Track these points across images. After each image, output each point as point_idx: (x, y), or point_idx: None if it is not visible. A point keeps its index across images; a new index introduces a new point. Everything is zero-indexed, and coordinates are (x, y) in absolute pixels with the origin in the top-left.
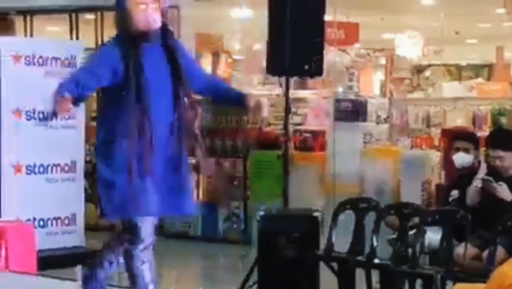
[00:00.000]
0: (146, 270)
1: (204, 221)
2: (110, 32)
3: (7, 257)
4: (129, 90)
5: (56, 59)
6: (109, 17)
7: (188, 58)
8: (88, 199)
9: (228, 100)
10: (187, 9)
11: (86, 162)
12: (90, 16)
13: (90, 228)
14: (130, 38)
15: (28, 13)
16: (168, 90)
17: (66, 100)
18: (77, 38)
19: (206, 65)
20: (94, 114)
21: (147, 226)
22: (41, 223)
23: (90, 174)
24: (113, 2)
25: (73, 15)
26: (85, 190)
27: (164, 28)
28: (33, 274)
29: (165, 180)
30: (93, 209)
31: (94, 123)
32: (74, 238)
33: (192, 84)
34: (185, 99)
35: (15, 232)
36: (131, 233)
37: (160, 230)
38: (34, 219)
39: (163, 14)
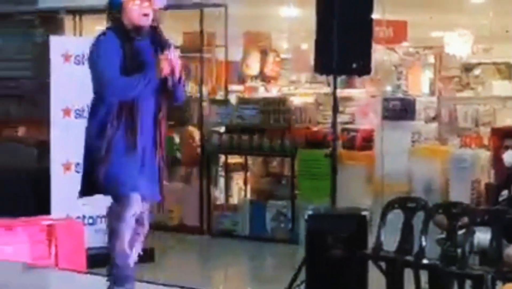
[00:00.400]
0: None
1: (252, 220)
2: None
3: (57, 255)
4: None
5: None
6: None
7: None
8: None
9: None
10: (234, 8)
11: None
12: None
13: None
14: (122, 31)
15: (77, 12)
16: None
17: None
18: None
19: (254, 63)
20: None
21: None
22: (90, 220)
23: None
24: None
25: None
26: None
27: (154, 27)
28: (82, 272)
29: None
30: None
31: None
32: None
33: None
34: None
35: (65, 230)
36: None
37: (208, 229)
38: (84, 216)
39: (154, 14)
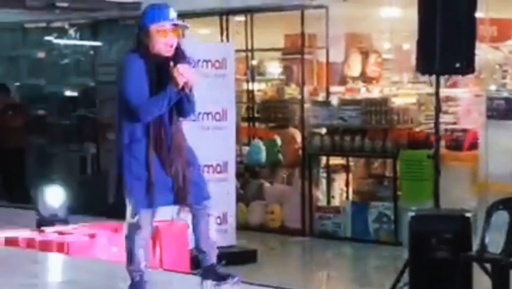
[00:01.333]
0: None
1: (353, 221)
2: (259, 33)
3: (161, 256)
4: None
5: (207, 61)
6: (259, 19)
7: None
8: (240, 198)
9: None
10: (336, 9)
11: (237, 163)
12: (240, 18)
13: (240, 227)
14: (146, 56)
15: (180, 16)
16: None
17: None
18: (228, 40)
19: (355, 64)
20: (245, 116)
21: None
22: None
23: (242, 174)
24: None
25: (224, 17)
26: (236, 189)
27: (177, 52)
28: (186, 273)
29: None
30: (244, 208)
31: (245, 124)
32: (225, 237)
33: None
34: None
35: (169, 232)
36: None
37: (310, 231)
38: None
39: (179, 42)
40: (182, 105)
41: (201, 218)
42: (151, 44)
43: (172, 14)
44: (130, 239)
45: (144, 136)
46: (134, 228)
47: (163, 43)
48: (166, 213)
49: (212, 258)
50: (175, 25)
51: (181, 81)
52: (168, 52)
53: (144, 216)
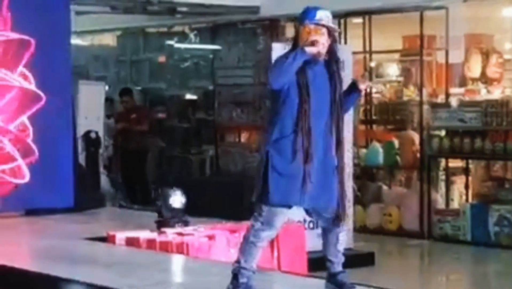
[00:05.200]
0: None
1: (473, 224)
2: (377, 35)
3: (279, 258)
4: (296, 97)
5: None
6: (377, 21)
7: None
8: (357, 201)
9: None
10: (456, 10)
11: (355, 165)
12: (358, 20)
13: (358, 230)
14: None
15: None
16: (326, 101)
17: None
18: (345, 42)
19: (475, 65)
20: (362, 118)
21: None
22: (311, 224)
23: (359, 177)
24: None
25: (342, 19)
26: (354, 192)
27: (330, 52)
28: (303, 275)
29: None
30: (361, 210)
31: (362, 127)
32: None
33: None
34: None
35: (286, 233)
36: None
37: (428, 233)
38: (304, 220)
39: (333, 39)
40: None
41: (332, 231)
42: (300, 41)
43: (320, 15)
44: (255, 237)
45: (292, 133)
46: (265, 226)
47: (309, 41)
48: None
49: (337, 267)
50: (318, 25)
51: (311, 38)
52: (314, 52)
53: (280, 215)
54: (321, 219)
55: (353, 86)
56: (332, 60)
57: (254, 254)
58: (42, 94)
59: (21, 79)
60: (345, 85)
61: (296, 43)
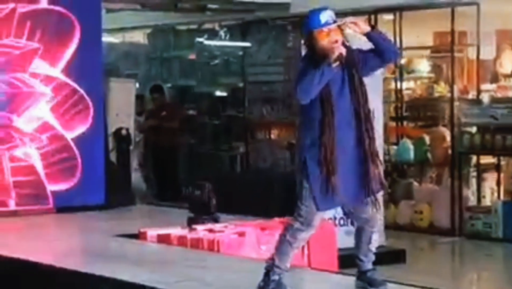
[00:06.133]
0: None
1: (505, 221)
2: (408, 31)
3: (309, 255)
4: (319, 102)
5: None
6: (408, 17)
7: (359, 56)
8: (388, 198)
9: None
10: (487, 5)
11: (385, 162)
12: (388, 17)
13: (389, 227)
14: (316, 58)
15: None
16: (347, 97)
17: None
18: None
19: (507, 61)
20: (393, 115)
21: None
22: (341, 221)
23: (390, 174)
24: (414, 1)
25: (372, 16)
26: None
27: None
28: (334, 272)
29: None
30: (392, 208)
31: (393, 123)
32: None
33: (377, 61)
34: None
35: (317, 231)
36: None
37: (459, 231)
38: (335, 217)
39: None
40: (378, 47)
41: (364, 231)
42: (317, 47)
43: (324, 17)
44: (293, 237)
45: (318, 143)
46: (303, 227)
47: (325, 41)
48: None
49: (368, 265)
50: (326, 27)
51: (337, 51)
52: (330, 51)
53: (318, 217)
54: (357, 219)
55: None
56: (348, 62)
57: (289, 254)
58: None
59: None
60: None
61: (312, 50)
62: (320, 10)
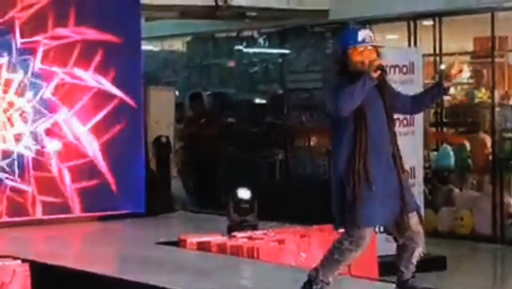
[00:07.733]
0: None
1: None
2: (447, 38)
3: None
4: (353, 118)
5: (394, 66)
6: (448, 23)
7: (392, 88)
8: (428, 204)
9: (429, 97)
10: None
11: (425, 168)
12: (428, 23)
13: (429, 234)
14: (348, 76)
15: (368, 22)
16: (382, 113)
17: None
18: (415, 45)
19: None
20: (433, 121)
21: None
22: (381, 228)
23: (430, 180)
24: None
25: (412, 22)
26: (425, 195)
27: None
28: (375, 279)
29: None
30: (432, 214)
31: (433, 129)
32: None
33: (401, 107)
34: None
35: None
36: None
37: (501, 238)
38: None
39: (378, 54)
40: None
41: (408, 247)
42: (350, 64)
43: (362, 36)
44: (341, 256)
45: (353, 159)
46: (353, 246)
47: (359, 58)
48: None
49: (408, 275)
50: (363, 45)
51: (377, 62)
52: (362, 68)
53: (368, 234)
54: (400, 235)
55: (438, 84)
56: (380, 78)
57: (334, 270)
58: (120, 94)
59: (99, 78)
60: (406, 92)
61: (344, 67)
62: (360, 28)
